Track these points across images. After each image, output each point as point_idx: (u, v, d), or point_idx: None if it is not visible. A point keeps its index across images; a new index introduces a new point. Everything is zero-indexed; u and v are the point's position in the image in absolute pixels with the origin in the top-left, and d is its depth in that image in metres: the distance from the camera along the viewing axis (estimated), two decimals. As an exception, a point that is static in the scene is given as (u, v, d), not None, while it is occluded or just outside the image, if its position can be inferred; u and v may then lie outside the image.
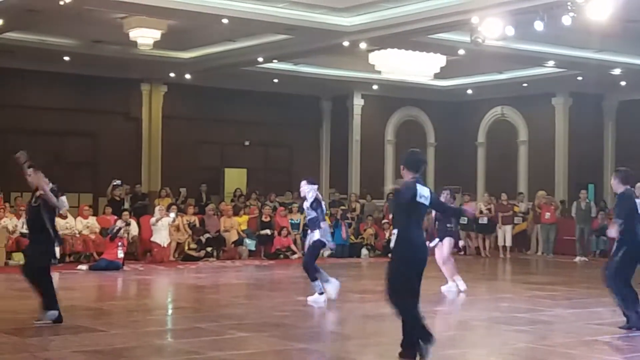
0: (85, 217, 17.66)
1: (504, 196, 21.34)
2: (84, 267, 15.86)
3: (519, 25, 14.59)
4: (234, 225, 18.96)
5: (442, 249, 12.83)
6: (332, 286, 11.18)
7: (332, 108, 25.24)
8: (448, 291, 12.71)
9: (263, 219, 19.68)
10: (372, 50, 18.54)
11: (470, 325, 9.93)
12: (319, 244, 11.22)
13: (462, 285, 12.79)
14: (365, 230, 20.70)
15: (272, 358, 7.67)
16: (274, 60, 20.15)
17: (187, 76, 21.20)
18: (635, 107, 22.77)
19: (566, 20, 13.65)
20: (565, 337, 8.89)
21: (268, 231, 19.32)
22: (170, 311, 11.18)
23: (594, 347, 8.34)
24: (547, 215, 20.86)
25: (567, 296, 12.67)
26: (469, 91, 24.06)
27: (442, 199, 12.36)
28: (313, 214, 11.12)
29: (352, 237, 20.35)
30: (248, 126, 23.72)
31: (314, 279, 11.09)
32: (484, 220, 20.71)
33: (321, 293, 11.05)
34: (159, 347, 8.03)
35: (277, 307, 10.83)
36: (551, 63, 19.56)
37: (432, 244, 12.45)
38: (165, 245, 17.58)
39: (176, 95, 22.41)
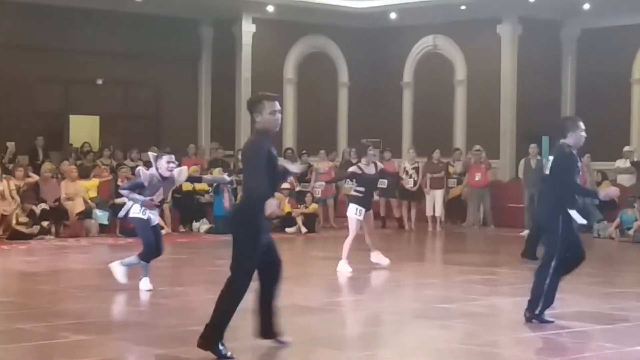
0: None
1: (436, 153, 21.62)
2: None
3: None
4: (79, 192, 18.70)
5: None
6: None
7: (215, 36, 25.04)
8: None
9: (119, 183, 19.41)
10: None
11: (381, 320, 10.10)
12: None
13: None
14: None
15: (116, 369, 7.62)
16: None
17: (17, -8, 20.70)
18: (600, 37, 23.33)
19: None
20: (498, 334, 9.13)
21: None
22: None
23: (533, 346, 8.59)
24: (477, 177, 21.21)
25: (509, 281, 13.00)
26: (393, 15, 24.21)
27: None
28: None
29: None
30: (102, 59, 23.27)
31: None
32: (409, 183, 20.99)
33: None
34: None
35: (131, 301, 10.75)
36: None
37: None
38: (-14, 219, 17.34)
39: (2, 19, 21.81)
